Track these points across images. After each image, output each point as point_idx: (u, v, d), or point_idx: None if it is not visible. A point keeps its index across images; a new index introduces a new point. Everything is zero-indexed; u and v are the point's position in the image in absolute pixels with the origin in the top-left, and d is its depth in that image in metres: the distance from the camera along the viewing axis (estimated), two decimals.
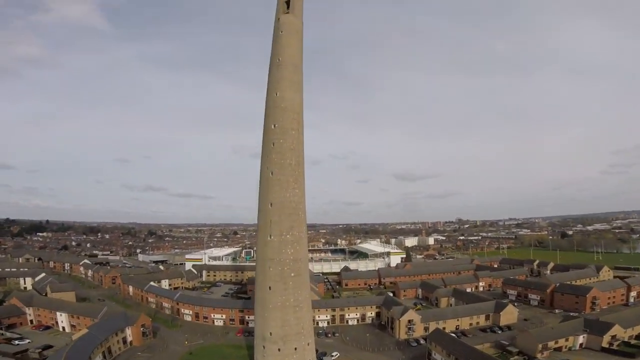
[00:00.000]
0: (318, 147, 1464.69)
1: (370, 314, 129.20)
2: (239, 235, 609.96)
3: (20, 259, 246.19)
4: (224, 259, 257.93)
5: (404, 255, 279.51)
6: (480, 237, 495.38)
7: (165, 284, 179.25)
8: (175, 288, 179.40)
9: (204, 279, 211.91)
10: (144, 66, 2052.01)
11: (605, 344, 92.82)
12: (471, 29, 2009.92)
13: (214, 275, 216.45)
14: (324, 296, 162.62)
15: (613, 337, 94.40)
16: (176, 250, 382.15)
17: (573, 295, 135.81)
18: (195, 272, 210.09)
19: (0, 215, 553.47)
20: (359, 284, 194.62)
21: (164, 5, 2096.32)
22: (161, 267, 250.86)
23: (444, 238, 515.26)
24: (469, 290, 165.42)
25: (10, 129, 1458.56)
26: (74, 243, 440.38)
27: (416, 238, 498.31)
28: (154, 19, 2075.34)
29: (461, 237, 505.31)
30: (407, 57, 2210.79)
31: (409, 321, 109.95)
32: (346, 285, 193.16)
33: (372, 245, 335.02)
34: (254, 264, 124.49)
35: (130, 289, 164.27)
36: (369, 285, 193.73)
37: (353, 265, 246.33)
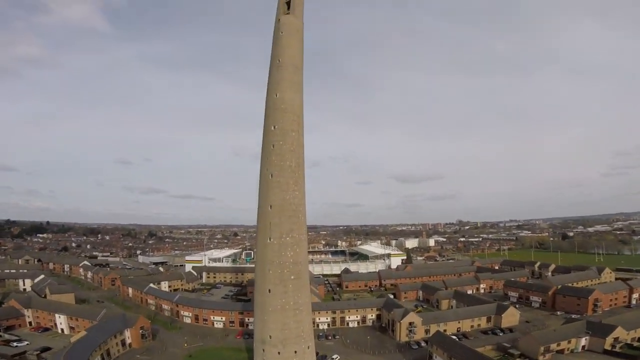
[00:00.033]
0: (318, 147, 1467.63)
1: (371, 316, 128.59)
2: (239, 237, 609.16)
3: (20, 260, 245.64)
4: (224, 260, 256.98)
5: (405, 257, 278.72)
6: (480, 239, 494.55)
7: (164, 285, 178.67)
8: (174, 290, 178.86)
9: (204, 281, 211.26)
10: (144, 66, 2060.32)
11: (608, 347, 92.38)
12: (471, 29, 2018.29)
13: (214, 277, 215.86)
14: (324, 298, 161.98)
15: (616, 339, 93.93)
16: (176, 252, 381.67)
17: (575, 298, 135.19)
18: (195, 274, 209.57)
19: (1, 217, 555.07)
20: (360, 286, 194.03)
21: (164, 6, 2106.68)
22: (161, 268, 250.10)
23: (444, 240, 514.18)
24: (470, 292, 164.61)
25: (11, 130, 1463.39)
26: (74, 244, 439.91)
27: (417, 240, 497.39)
28: (155, 19, 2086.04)
29: (462, 239, 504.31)
30: (407, 57, 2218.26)
31: (410, 323, 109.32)
32: (346, 287, 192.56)
33: (373, 247, 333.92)
34: (254, 265, 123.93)
35: (130, 290, 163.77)
36: (370, 287, 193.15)
37: (353, 267, 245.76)
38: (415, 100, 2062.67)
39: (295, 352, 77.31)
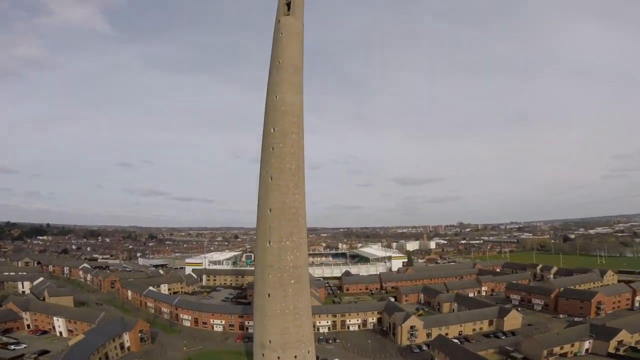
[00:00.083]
0: (318, 149, 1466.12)
1: (372, 319, 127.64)
2: (239, 239, 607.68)
3: (20, 262, 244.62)
4: (224, 263, 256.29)
5: (406, 260, 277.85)
6: (482, 241, 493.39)
7: (164, 288, 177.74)
8: (174, 292, 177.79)
9: (203, 284, 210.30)
10: (144, 68, 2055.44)
11: (611, 350, 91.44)
12: (471, 30, 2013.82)
13: (214, 280, 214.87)
14: (325, 301, 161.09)
15: (619, 342, 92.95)
16: (176, 254, 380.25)
17: (578, 300, 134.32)
18: (195, 277, 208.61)
19: (1, 219, 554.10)
20: (360, 289, 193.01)
21: (165, 8, 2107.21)
22: (161, 271, 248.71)
23: (445, 242, 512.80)
24: (471, 295, 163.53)
25: (12, 132, 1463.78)
26: (74, 247, 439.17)
27: (417, 242, 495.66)
28: (155, 20, 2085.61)
29: (463, 241, 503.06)
30: (407, 58, 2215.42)
31: (411, 327, 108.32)
32: (347, 290, 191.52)
33: (374, 250, 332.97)
34: (254, 268, 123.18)
35: (129, 293, 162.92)
36: (371, 290, 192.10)
37: (354, 269, 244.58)
38: (415, 101, 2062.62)
39: (295, 356, 76.59)
